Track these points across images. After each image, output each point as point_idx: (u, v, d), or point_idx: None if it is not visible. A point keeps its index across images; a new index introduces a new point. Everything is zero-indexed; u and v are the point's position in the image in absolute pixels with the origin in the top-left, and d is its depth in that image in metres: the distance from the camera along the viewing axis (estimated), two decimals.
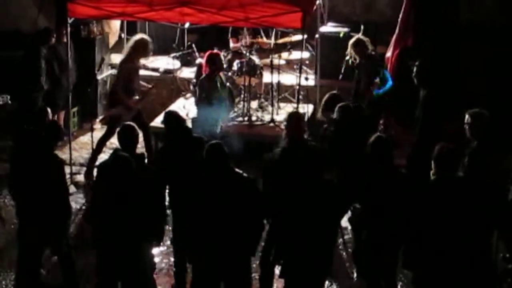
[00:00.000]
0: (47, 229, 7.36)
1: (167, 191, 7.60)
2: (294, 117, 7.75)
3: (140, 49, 10.67)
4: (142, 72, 11.50)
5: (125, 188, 6.51)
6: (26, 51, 11.61)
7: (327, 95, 9.07)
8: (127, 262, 6.67)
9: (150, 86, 10.96)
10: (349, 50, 10.60)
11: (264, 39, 12.96)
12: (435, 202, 6.43)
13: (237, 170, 6.51)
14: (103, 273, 6.82)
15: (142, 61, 11.45)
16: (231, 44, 12.88)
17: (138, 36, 11.02)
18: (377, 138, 7.00)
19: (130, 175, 6.53)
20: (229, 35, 12.87)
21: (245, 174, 6.54)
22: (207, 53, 10.82)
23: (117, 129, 7.55)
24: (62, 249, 7.58)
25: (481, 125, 7.65)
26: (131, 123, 7.68)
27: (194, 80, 12.16)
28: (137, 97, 10.66)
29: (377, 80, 10.37)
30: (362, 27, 12.26)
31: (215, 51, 11.15)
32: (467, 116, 7.76)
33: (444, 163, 6.53)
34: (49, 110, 8.71)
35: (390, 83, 10.48)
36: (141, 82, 10.93)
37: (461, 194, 6.41)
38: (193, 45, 13.40)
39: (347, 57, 10.70)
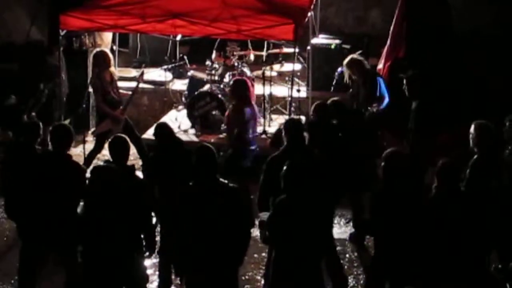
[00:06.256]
0: (52, 240, 7.15)
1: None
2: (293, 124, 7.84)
3: (101, 61, 10.63)
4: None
5: (107, 199, 6.48)
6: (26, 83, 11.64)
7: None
8: (116, 273, 6.59)
9: (131, 92, 10.96)
10: (345, 69, 10.52)
11: (251, 51, 12.96)
12: (438, 215, 6.52)
13: (222, 180, 6.46)
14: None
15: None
16: (213, 56, 12.82)
17: (95, 50, 11.13)
18: (391, 152, 6.90)
19: (111, 186, 6.49)
20: (215, 47, 12.84)
21: (230, 184, 6.50)
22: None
23: (107, 142, 7.51)
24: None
25: (485, 136, 7.52)
26: (122, 134, 7.68)
27: (186, 92, 12.21)
28: (121, 107, 10.69)
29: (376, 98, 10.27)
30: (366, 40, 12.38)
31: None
32: (472, 127, 7.62)
33: (449, 177, 6.60)
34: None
35: (387, 100, 10.40)
36: (122, 91, 10.96)
37: (463, 207, 6.51)
38: (185, 57, 13.41)
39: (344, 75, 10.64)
